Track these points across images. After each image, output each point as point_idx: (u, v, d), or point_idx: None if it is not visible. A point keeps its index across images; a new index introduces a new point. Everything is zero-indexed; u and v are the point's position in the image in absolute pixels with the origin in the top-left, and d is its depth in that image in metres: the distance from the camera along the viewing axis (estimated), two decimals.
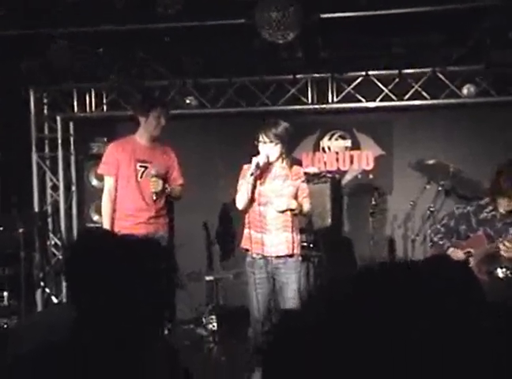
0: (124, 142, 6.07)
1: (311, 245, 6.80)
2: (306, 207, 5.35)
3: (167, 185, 5.98)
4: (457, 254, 5.13)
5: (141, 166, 5.93)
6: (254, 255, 5.28)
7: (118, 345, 1.95)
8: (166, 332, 6.66)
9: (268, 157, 5.21)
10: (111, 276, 1.99)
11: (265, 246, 5.25)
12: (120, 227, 5.77)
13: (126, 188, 5.92)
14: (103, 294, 1.96)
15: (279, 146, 5.22)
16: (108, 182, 5.98)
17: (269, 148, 5.21)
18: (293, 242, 5.25)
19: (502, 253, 5.01)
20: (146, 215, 5.90)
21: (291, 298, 5.19)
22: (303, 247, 5.58)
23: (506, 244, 5.00)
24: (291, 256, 5.25)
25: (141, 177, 5.93)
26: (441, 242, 5.26)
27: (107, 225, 5.90)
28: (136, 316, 2.00)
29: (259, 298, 5.26)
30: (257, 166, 5.15)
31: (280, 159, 5.30)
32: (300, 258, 5.33)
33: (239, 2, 6.27)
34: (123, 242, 2.13)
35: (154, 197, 5.87)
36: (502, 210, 5.11)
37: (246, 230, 5.35)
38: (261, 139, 5.23)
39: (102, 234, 2.42)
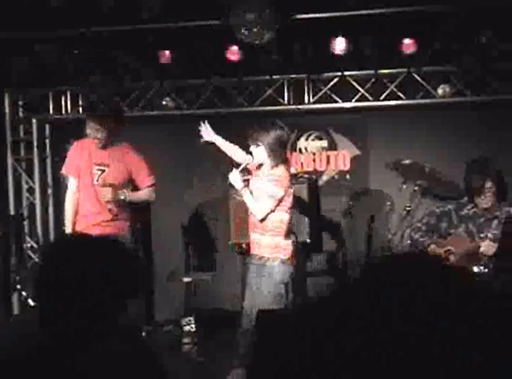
0: (84, 142, 6.02)
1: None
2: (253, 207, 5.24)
3: (124, 191, 5.83)
4: (436, 252, 5.16)
5: (98, 170, 5.84)
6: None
7: (91, 346, 1.95)
8: (144, 333, 6.65)
9: (248, 160, 5.23)
10: (78, 280, 2.01)
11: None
12: (78, 228, 5.77)
13: (84, 189, 5.88)
14: (73, 298, 1.98)
15: (260, 149, 5.21)
16: (71, 183, 5.95)
17: (252, 150, 5.25)
18: (258, 244, 5.26)
19: (481, 251, 5.05)
20: (100, 218, 5.80)
21: (265, 299, 5.19)
22: None
23: (485, 243, 5.04)
24: (260, 258, 5.26)
25: (97, 180, 5.85)
26: (421, 239, 5.29)
27: (68, 226, 5.89)
28: (108, 317, 2.01)
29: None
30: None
31: (267, 162, 5.28)
32: (274, 261, 5.28)
33: (215, 3, 6.28)
34: (87, 244, 2.16)
35: (108, 206, 5.79)
36: (480, 207, 5.16)
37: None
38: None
39: (69, 239, 2.44)
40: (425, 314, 0.84)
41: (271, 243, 5.23)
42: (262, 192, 5.18)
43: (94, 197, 5.83)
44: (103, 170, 5.82)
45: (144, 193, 6.01)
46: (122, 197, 5.82)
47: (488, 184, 5.11)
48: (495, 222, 5.16)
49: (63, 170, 6.08)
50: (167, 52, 6.87)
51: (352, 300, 0.88)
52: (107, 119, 5.93)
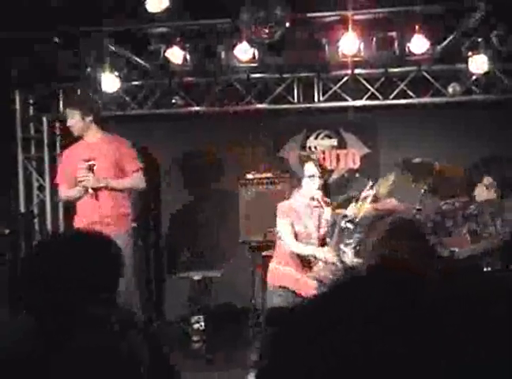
0: (70, 149, 6.03)
1: None
2: None
3: (107, 179, 5.71)
4: (440, 253, 5.15)
5: (88, 166, 5.74)
6: None
7: (66, 344, 1.97)
8: (154, 329, 6.67)
9: None
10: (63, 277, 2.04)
11: None
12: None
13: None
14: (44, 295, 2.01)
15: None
16: (60, 191, 6.10)
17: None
18: None
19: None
20: (96, 217, 5.71)
21: None
22: None
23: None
24: None
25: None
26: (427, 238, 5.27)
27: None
28: (83, 312, 2.03)
29: None
30: None
31: None
32: None
33: (225, 2, 6.29)
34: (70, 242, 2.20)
35: (90, 191, 5.70)
36: (479, 200, 5.16)
37: None
38: (312, 171, 5.44)
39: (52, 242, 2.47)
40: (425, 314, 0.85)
41: None
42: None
43: (89, 197, 5.79)
44: (94, 165, 5.75)
45: (128, 180, 5.84)
46: (102, 184, 5.70)
47: (487, 180, 5.11)
48: (499, 221, 5.14)
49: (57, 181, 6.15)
50: (177, 51, 6.85)
51: (350, 299, 0.89)
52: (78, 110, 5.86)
